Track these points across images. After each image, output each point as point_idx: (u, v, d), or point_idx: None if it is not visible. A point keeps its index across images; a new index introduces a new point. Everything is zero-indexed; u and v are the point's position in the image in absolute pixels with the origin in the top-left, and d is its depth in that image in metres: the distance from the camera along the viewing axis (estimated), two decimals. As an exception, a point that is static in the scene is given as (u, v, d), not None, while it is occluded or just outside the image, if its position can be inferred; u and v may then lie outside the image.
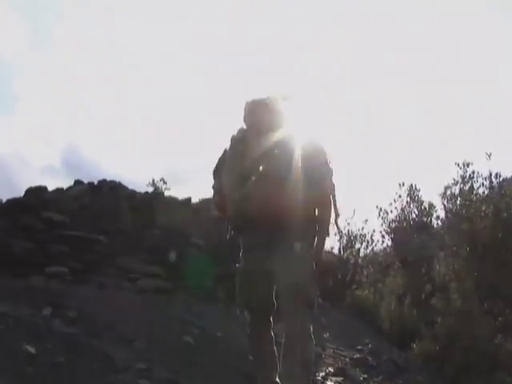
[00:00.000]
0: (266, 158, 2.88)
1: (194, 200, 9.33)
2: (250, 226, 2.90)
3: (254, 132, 3.00)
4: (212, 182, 3.21)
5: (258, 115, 3.01)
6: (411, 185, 9.74)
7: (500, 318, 6.62)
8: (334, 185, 3.01)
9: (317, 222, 2.96)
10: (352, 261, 10.49)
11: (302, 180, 2.85)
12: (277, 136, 2.91)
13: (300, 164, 2.88)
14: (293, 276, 2.75)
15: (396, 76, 43.15)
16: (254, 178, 2.88)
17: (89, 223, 7.17)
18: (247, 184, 2.89)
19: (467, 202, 7.93)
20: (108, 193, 8.23)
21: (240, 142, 3.04)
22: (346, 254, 10.20)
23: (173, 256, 6.58)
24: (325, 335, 6.82)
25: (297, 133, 2.99)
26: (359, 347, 7.23)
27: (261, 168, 2.88)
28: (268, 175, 2.85)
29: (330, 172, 3.01)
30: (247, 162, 2.92)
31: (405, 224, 9.67)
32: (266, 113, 2.99)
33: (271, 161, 2.88)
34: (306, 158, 2.90)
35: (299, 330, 2.73)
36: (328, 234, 2.93)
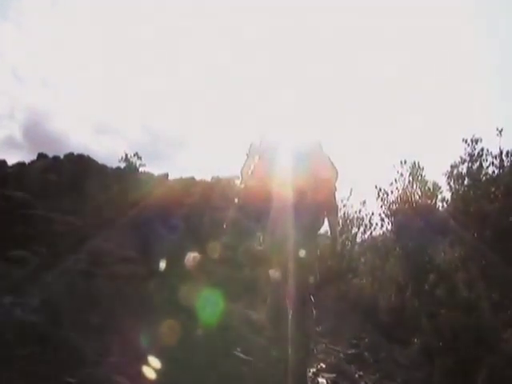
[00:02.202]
0: None
1: (172, 177, 9.30)
2: None
3: None
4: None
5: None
6: (414, 163, 9.73)
7: (509, 311, 6.68)
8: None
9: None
10: (348, 247, 10.52)
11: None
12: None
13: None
14: None
15: (400, 46, 43.16)
16: None
17: (54, 201, 7.10)
18: None
19: (475, 183, 7.95)
20: (76, 168, 8.15)
21: None
22: (341, 239, 10.21)
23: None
24: (317, 328, 6.86)
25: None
26: (355, 342, 7.29)
27: None
28: None
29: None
30: None
31: (407, 206, 9.68)
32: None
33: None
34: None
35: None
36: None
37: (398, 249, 9.35)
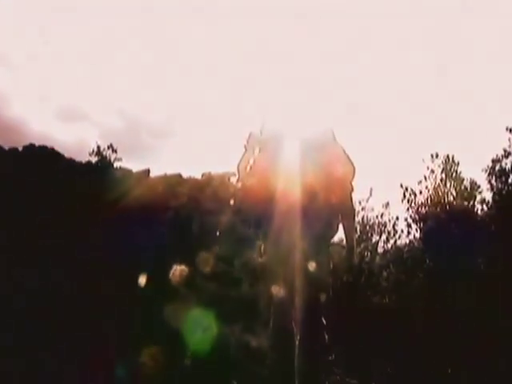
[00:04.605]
0: None
1: (155, 174, 9.32)
2: None
3: None
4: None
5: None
6: (447, 157, 9.75)
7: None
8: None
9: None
10: (367, 258, 10.54)
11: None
12: None
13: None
14: None
15: (437, 30, 43.32)
16: None
17: (10, 203, 7.12)
18: None
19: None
20: (37, 162, 8.16)
21: None
22: (359, 249, 10.22)
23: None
24: (329, 357, 6.88)
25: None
26: (375, 373, 7.31)
27: None
28: None
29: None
30: None
31: (438, 209, 9.71)
32: None
33: None
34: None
35: None
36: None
37: (427, 261, 9.37)
